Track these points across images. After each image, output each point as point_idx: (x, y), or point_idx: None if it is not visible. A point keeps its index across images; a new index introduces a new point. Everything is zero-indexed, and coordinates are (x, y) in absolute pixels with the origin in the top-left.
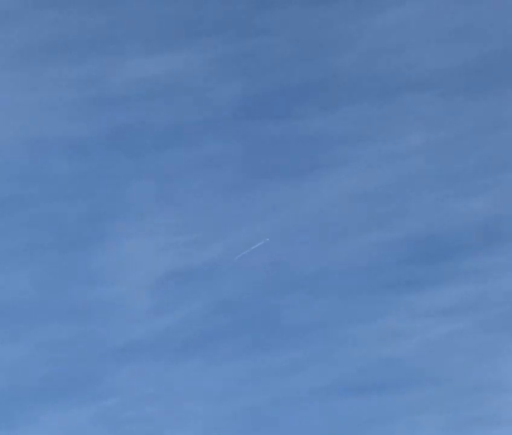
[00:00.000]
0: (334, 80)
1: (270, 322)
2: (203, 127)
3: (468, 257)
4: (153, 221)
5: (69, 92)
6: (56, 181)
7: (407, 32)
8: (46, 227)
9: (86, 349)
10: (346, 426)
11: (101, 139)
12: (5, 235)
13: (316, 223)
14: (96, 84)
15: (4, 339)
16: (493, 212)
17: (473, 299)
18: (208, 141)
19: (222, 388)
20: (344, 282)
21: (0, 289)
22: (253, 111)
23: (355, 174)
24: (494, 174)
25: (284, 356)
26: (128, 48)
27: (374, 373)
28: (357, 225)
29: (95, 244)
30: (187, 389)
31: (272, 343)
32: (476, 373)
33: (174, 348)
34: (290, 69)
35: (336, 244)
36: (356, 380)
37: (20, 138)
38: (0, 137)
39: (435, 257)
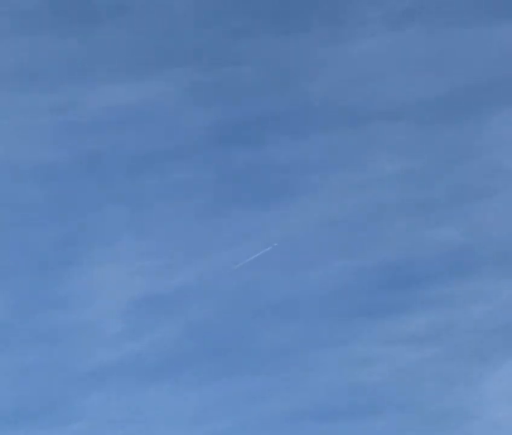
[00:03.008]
0: (306, 108)
1: (241, 348)
2: (174, 154)
3: (438, 285)
4: (124, 246)
5: (41, 118)
6: (27, 206)
7: (379, 62)
8: (17, 252)
9: (56, 373)
10: None
11: (73, 165)
12: None
13: (286, 250)
14: (68, 110)
15: None
16: (463, 240)
17: (442, 326)
18: (179, 168)
19: (192, 413)
20: (314, 308)
21: None
22: (224, 139)
23: (327, 201)
24: (465, 203)
25: (254, 381)
26: (100, 75)
27: (343, 399)
28: (327, 251)
29: (65, 269)
30: (157, 414)
31: (242, 368)
32: (445, 400)
33: (144, 372)
34: (261, 98)
35: (306, 271)
36: (326, 405)
37: None
38: None
39: (404, 284)
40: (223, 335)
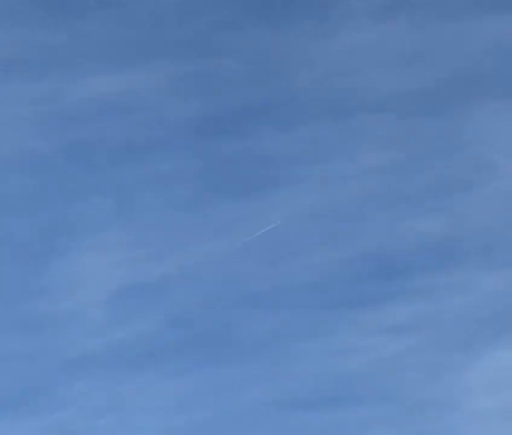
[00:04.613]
0: (290, 100)
1: (223, 337)
2: (159, 144)
3: (420, 276)
4: (108, 236)
5: (25, 108)
6: (11, 196)
7: (363, 55)
8: (1, 241)
9: (39, 361)
10: None
11: (57, 155)
12: None
13: (269, 240)
14: (52, 101)
15: None
16: (446, 232)
17: (424, 317)
18: (164, 159)
19: (175, 401)
20: (296, 298)
21: None
22: (208, 130)
23: (310, 193)
24: (448, 196)
25: (236, 370)
26: (84, 66)
27: (325, 389)
28: (310, 242)
29: (49, 258)
30: (140, 402)
31: (224, 358)
32: (427, 391)
33: (127, 361)
34: (246, 90)
35: (289, 261)
36: (308, 395)
37: None
38: None
39: (387, 275)
40: (206, 324)
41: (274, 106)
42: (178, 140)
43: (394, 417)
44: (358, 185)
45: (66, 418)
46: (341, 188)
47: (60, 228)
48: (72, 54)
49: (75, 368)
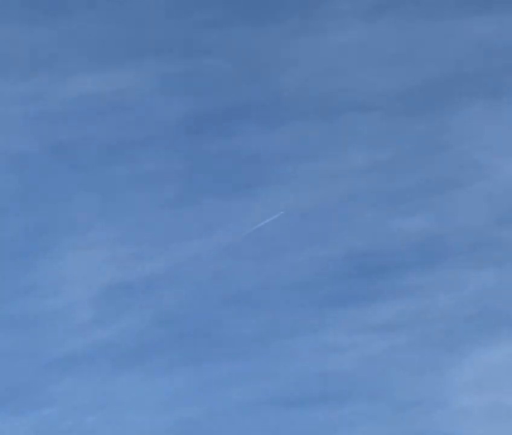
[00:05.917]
0: (276, 99)
1: (210, 335)
2: (145, 143)
3: (406, 274)
4: (94, 234)
5: (11, 107)
6: None
7: (350, 54)
8: None
9: (26, 359)
10: None
11: (44, 154)
12: None
13: (256, 239)
14: (39, 99)
15: None
16: (433, 231)
17: (411, 315)
18: (151, 157)
19: (161, 399)
20: (283, 296)
21: None
22: (195, 129)
23: (297, 191)
24: (434, 194)
25: (223, 368)
26: (71, 64)
27: (313, 387)
28: (297, 240)
29: (36, 257)
30: (127, 400)
31: (211, 356)
32: (413, 388)
33: (114, 359)
34: (233, 88)
35: (276, 259)
36: (294, 393)
37: None
38: None
39: (374, 274)
40: (193, 322)
41: (261, 104)
42: (165, 139)
43: (381, 414)
44: (345, 184)
45: (53, 415)
46: (328, 187)
47: (47, 227)
48: (59, 54)
49: (62, 366)
